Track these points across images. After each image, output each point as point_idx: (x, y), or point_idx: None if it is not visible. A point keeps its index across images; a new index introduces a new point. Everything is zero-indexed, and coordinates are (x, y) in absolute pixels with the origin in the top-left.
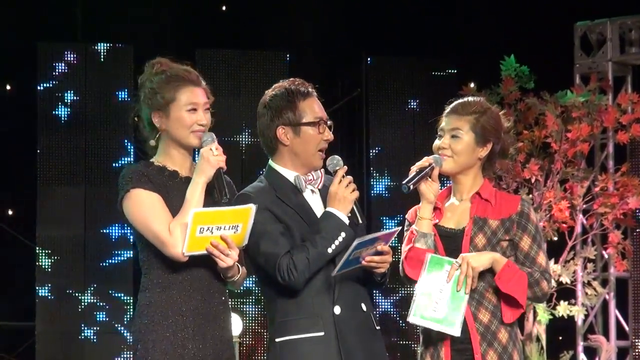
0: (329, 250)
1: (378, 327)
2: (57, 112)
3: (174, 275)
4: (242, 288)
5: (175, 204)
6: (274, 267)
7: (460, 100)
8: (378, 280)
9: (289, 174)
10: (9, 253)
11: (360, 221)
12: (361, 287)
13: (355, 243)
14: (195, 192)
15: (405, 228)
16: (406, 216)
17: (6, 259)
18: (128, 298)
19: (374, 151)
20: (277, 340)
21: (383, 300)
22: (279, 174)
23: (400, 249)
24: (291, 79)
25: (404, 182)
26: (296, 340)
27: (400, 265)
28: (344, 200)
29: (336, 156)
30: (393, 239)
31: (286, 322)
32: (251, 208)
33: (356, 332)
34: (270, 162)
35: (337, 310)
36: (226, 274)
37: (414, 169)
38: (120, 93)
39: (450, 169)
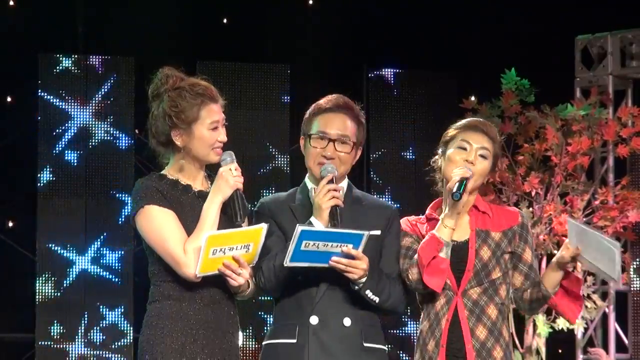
0: None
1: (371, 344)
2: (57, 124)
3: (186, 288)
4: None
5: (188, 219)
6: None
7: (481, 120)
8: (375, 303)
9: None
10: (8, 264)
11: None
12: (349, 303)
13: (299, 230)
14: (211, 211)
15: (403, 240)
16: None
17: (6, 271)
18: (128, 311)
19: (374, 163)
20: (263, 342)
21: None
22: (307, 188)
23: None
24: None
25: (454, 190)
26: (274, 345)
27: (414, 269)
28: (319, 209)
29: (328, 165)
30: (364, 244)
31: (273, 327)
32: (262, 228)
33: (333, 345)
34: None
35: (313, 320)
36: (236, 290)
37: (456, 178)
38: (121, 104)
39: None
